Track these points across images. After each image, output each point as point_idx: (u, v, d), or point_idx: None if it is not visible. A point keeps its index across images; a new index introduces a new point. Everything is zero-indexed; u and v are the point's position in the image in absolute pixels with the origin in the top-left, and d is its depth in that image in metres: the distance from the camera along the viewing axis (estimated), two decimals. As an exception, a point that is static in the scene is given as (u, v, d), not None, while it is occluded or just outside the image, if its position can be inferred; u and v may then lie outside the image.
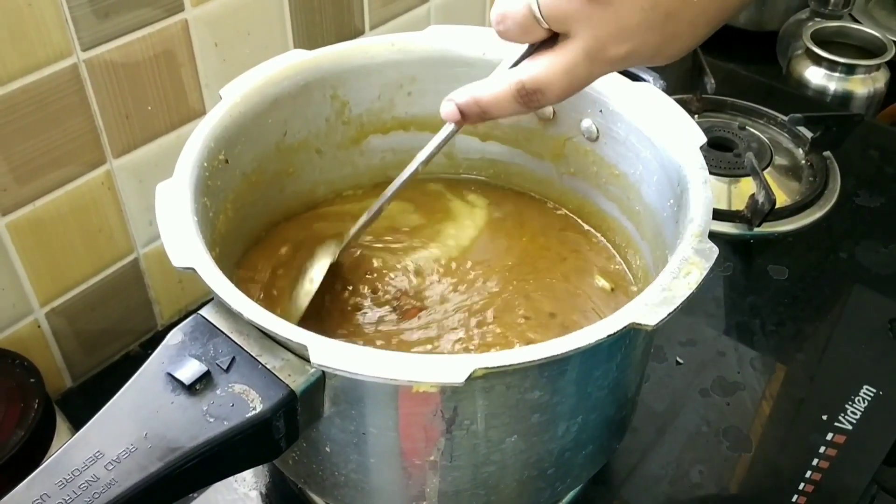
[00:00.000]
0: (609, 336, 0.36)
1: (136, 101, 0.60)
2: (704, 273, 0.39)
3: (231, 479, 0.55)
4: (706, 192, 0.43)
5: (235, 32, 0.64)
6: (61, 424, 0.58)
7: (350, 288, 0.52)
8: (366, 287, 0.53)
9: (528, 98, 0.41)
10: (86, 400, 0.65)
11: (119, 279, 0.66)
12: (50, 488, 0.33)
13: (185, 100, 0.63)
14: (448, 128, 0.45)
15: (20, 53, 0.52)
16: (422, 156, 0.47)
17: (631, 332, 0.38)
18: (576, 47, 0.39)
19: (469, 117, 0.44)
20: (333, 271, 0.51)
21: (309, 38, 0.70)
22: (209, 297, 0.41)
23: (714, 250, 0.40)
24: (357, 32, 0.75)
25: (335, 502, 0.48)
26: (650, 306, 0.37)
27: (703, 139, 0.46)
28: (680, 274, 0.39)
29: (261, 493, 0.55)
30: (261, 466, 0.56)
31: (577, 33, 0.39)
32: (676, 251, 0.40)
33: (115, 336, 0.68)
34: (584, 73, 0.40)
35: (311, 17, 0.69)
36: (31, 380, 0.57)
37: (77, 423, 0.57)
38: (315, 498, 0.54)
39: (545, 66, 0.40)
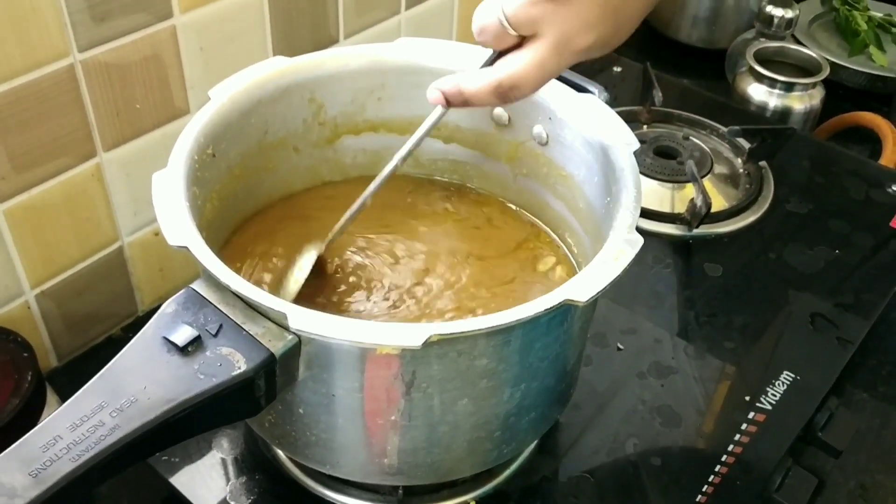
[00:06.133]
0: (546, 310, 0.42)
1: (126, 100, 0.65)
2: (631, 258, 0.45)
3: (210, 445, 0.60)
4: (636, 190, 0.49)
5: (220, 38, 0.69)
6: (51, 396, 0.62)
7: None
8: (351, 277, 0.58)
9: (506, 94, 0.47)
10: (71, 378, 0.69)
11: (104, 265, 0.70)
12: (62, 431, 0.38)
13: (172, 100, 0.68)
14: (436, 112, 0.51)
15: (23, 53, 0.56)
16: (410, 142, 0.52)
17: (567, 309, 0.44)
18: (544, 44, 0.45)
19: (452, 104, 0.49)
20: (318, 265, 0.56)
21: (287, 45, 0.75)
22: (187, 284, 0.46)
23: (639, 240, 0.46)
24: (332, 41, 0.80)
25: (306, 461, 0.53)
26: (582, 286, 0.43)
27: (637, 144, 0.53)
28: (610, 259, 0.45)
29: (236, 459, 0.60)
30: (237, 435, 0.61)
31: (544, 32, 0.45)
32: (608, 240, 0.46)
33: (99, 319, 0.72)
34: (553, 65, 0.46)
35: (290, 27, 0.75)
36: (25, 354, 0.61)
37: (64, 398, 0.62)
38: (285, 461, 0.59)
39: (519, 65, 0.46)
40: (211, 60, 0.69)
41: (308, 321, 0.41)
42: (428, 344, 0.40)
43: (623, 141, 0.53)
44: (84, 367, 0.70)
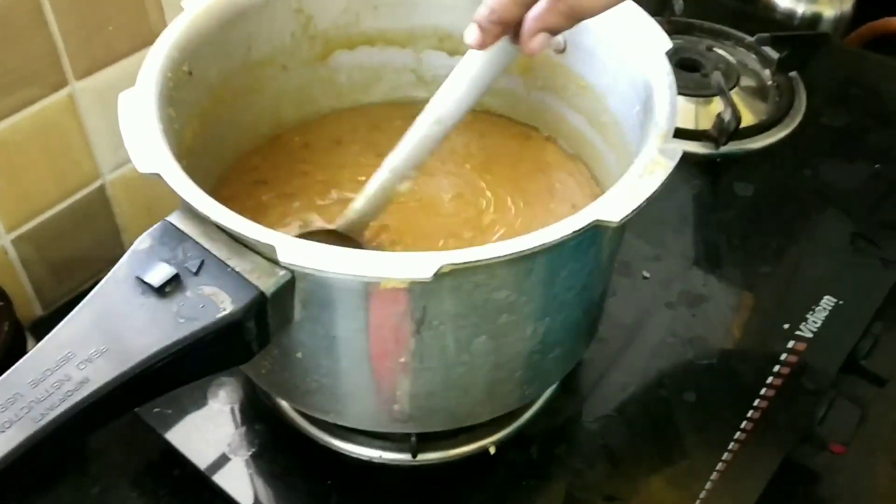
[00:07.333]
0: (574, 233, 0.37)
1: (97, 22, 0.59)
2: (669, 171, 0.39)
3: (205, 395, 0.56)
4: (671, 95, 0.44)
5: (196, -51, 0.63)
6: (31, 347, 0.58)
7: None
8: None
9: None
10: (57, 327, 0.65)
11: (85, 205, 0.65)
12: (22, 388, 0.33)
13: (147, 20, 0.62)
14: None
15: (-26, -29, 0.51)
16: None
17: (596, 232, 0.39)
18: None
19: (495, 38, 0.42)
20: None
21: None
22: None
23: (679, 150, 0.40)
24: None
25: (309, 409, 0.49)
26: (615, 204, 0.38)
27: (669, 44, 0.47)
28: (644, 173, 0.39)
29: (233, 409, 0.55)
30: (234, 384, 0.57)
31: None
32: (642, 152, 0.41)
33: (84, 264, 0.68)
34: None
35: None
36: (1, 303, 0.57)
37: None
38: (288, 410, 0.54)
39: None
40: (188, -25, 0.63)
41: (301, 253, 0.36)
42: (440, 275, 0.35)
43: (652, 41, 0.47)
44: (71, 315, 0.66)
